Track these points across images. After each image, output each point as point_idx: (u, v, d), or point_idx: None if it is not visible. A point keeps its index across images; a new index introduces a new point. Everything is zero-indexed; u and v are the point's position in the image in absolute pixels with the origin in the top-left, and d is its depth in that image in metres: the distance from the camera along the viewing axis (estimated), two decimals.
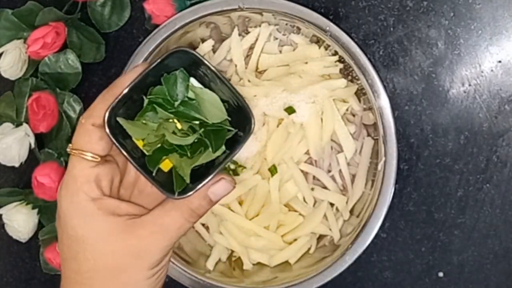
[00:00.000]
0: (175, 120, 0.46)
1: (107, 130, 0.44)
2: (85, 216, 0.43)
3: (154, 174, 0.45)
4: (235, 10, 0.60)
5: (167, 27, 0.60)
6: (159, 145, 0.46)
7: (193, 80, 0.47)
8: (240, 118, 0.47)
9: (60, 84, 0.65)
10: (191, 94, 0.47)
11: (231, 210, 0.61)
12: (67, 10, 0.65)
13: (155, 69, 0.45)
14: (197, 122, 0.47)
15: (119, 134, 0.45)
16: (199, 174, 0.46)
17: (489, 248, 0.65)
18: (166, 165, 0.47)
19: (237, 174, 0.60)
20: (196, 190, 0.45)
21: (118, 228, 0.44)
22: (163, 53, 0.46)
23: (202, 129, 0.46)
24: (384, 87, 0.58)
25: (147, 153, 0.46)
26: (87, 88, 0.67)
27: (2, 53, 0.64)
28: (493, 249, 0.65)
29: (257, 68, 0.63)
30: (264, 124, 0.60)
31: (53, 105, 0.63)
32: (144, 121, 0.46)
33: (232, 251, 0.63)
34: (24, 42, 0.64)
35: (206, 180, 0.45)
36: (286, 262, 0.62)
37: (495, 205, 0.65)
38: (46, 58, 0.64)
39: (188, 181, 0.45)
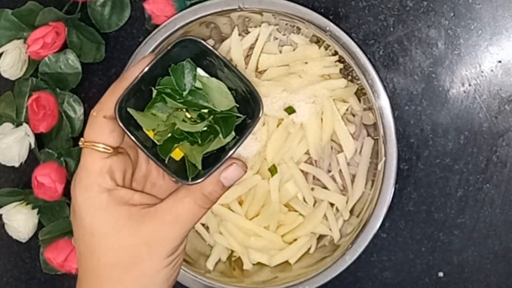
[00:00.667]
0: (184, 110, 0.47)
1: (118, 120, 0.44)
2: (100, 209, 0.43)
3: (166, 162, 0.45)
4: (235, 10, 0.60)
5: (167, 27, 0.60)
6: (169, 134, 0.46)
7: (199, 70, 0.48)
8: (249, 104, 0.48)
9: (60, 84, 0.65)
10: (198, 84, 0.47)
11: (231, 210, 0.61)
12: (67, 10, 0.65)
13: (162, 59, 0.46)
14: (206, 111, 0.47)
15: (130, 126, 0.45)
16: (211, 161, 0.46)
17: (489, 248, 0.65)
18: (177, 154, 0.47)
19: None
20: (209, 175, 0.45)
21: (134, 218, 0.44)
22: (170, 43, 0.46)
23: (212, 117, 0.47)
24: (384, 87, 0.58)
25: (158, 143, 0.47)
26: (87, 88, 0.67)
27: (2, 53, 0.64)
28: (493, 249, 0.65)
29: (257, 68, 0.63)
30: (264, 124, 0.60)
31: (53, 105, 0.63)
32: (154, 112, 0.46)
33: (232, 251, 0.63)
34: (24, 42, 0.64)
35: (218, 165, 0.45)
36: (286, 262, 0.62)
37: (495, 205, 0.65)
38: (46, 58, 0.64)
39: (200, 167, 0.46)
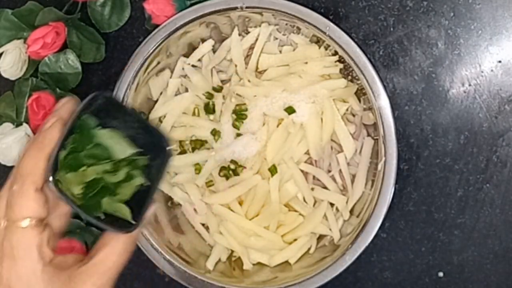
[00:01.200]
0: (98, 164, 0.48)
1: (57, 191, 0.44)
2: (46, 281, 0.43)
3: (98, 216, 0.47)
4: (235, 10, 0.60)
5: (167, 27, 0.60)
6: (92, 191, 0.47)
7: (94, 124, 0.49)
8: (155, 142, 0.51)
9: (60, 84, 0.65)
10: (100, 138, 0.49)
11: (231, 210, 0.61)
12: (67, 10, 0.65)
13: (74, 120, 0.47)
14: (119, 159, 0.49)
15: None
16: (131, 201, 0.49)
17: (489, 248, 0.65)
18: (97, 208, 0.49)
19: (237, 174, 0.60)
20: (142, 222, 0.48)
21: (73, 280, 0.44)
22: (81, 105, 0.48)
23: (125, 163, 0.49)
24: (384, 87, 0.58)
25: (82, 203, 0.47)
26: (87, 88, 0.67)
27: (2, 53, 0.64)
28: (493, 249, 0.65)
29: (257, 68, 0.63)
30: (264, 124, 0.60)
31: (53, 105, 0.63)
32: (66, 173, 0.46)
33: (232, 251, 0.63)
34: (24, 42, 0.64)
35: (147, 210, 0.48)
36: (286, 262, 0.62)
37: (495, 205, 0.65)
38: (46, 58, 0.64)
39: (131, 219, 0.47)
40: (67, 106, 0.48)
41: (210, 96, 0.62)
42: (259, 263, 0.62)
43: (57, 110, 0.47)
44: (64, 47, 0.65)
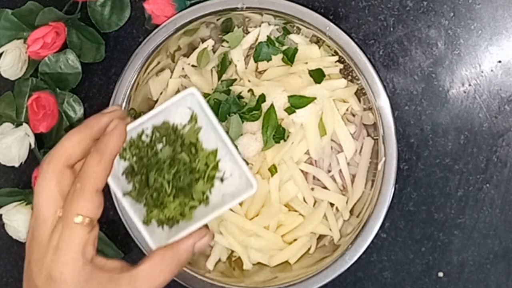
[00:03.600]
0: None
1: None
2: (86, 279, 0.44)
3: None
4: (235, 10, 0.60)
5: (167, 27, 0.60)
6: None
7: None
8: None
9: (60, 84, 0.65)
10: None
11: (231, 210, 0.61)
12: (67, 10, 0.65)
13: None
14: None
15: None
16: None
17: (489, 248, 0.65)
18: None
19: None
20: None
21: (112, 282, 0.45)
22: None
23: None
24: (384, 87, 0.58)
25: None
26: (87, 88, 0.67)
27: (2, 53, 0.64)
28: (493, 249, 0.65)
29: (257, 68, 0.63)
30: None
31: (53, 105, 0.63)
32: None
33: (232, 251, 0.63)
34: (24, 42, 0.64)
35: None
36: (286, 262, 0.62)
37: (495, 205, 0.65)
38: (46, 58, 0.64)
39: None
40: (119, 108, 0.49)
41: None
42: (259, 263, 0.62)
43: (114, 111, 0.48)
44: (64, 47, 0.65)
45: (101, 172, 0.44)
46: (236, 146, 0.53)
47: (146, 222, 0.49)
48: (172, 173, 0.48)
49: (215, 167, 0.50)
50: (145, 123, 0.48)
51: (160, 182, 0.48)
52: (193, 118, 0.49)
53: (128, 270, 0.46)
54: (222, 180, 0.50)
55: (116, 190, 0.48)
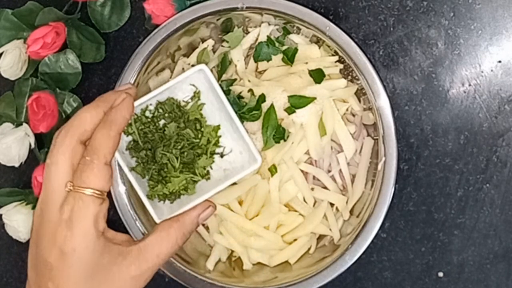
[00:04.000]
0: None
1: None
2: (97, 251, 0.45)
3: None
4: (235, 10, 0.60)
5: (167, 27, 0.60)
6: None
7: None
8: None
9: (60, 84, 0.65)
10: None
11: (231, 210, 0.61)
12: (67, 10, 0.65)
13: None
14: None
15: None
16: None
17: (489, 248, 0.65)
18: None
19: None
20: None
21: (121, 255, 0.46)
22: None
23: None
24: (384, 87, 0.58)
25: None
26: (87, 88, 0.67)
27: (2, 53, 0.64)
28: (493, 249, 0.65)
29: (257, 68, 0.63)
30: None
31: (53, 105, 0.63)
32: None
33: (232, 251, 0.63)
34: (24, 42, 0.64)
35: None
36: (286, 262, 0.62)
37: (495, 205, 0.65)
38: (46, 58, 0.64)
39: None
40: (133, 86, 0.50)
41: None
42: (259, 263, 0.62)
43: (130, 89, 0.49)
44: (64, 47, 0.65)
45: (109, 145, 0.45)
46: (242, 122, 0.53)
47: (150, 196, 0.49)
48: (179, 148, 0.49)
49: (216, 143, 0.51)
50: (151, 100, 0.49)
51: (168, 158, 0.49)
52: (196, 95, 0.50)
53: (136, 243, 0.47)
54: (222, 156, 0.52)
55: (123, 165, 0.49)
